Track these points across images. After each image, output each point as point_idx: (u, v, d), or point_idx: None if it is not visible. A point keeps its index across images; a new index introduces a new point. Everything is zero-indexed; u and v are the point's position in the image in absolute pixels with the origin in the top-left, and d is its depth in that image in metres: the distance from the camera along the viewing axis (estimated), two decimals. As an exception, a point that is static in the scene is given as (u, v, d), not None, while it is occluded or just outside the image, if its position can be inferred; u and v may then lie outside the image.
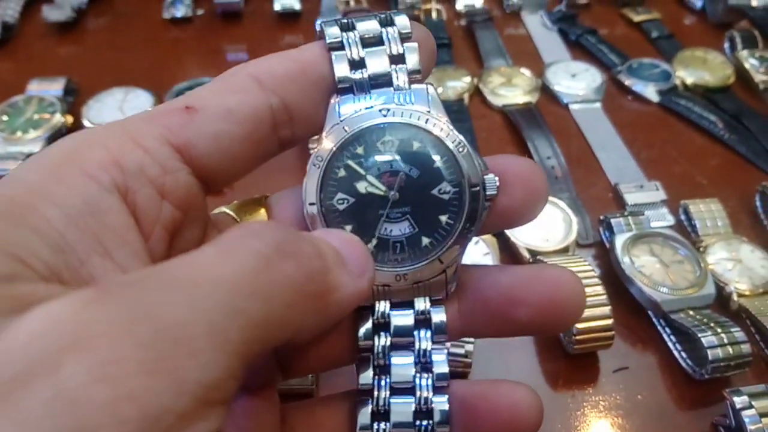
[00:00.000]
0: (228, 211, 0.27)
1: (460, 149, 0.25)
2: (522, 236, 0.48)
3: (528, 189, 0.25)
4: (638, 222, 0.49)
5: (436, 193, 0.25)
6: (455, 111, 0.62)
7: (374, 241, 0.25)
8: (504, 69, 0.67)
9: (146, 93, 0.61)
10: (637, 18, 0.76)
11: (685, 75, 0.67)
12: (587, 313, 0.41)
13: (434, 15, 0.76)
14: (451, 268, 0.26)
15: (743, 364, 0.40)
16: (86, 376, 0.14)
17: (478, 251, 0.46)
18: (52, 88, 0.61)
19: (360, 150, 0.25)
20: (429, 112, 0.25)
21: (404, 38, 0.26)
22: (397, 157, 0.25)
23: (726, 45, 0.72)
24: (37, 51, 0.71)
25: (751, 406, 0.36)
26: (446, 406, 0.25)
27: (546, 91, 0.65)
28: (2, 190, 0.20)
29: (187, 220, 0.24)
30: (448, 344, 0.26)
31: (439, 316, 0.26)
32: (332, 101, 0.25)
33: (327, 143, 0.25)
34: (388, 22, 0.26)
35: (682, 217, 0.52)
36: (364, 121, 0.25)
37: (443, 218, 0.25)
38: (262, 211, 0.27)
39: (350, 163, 0.25)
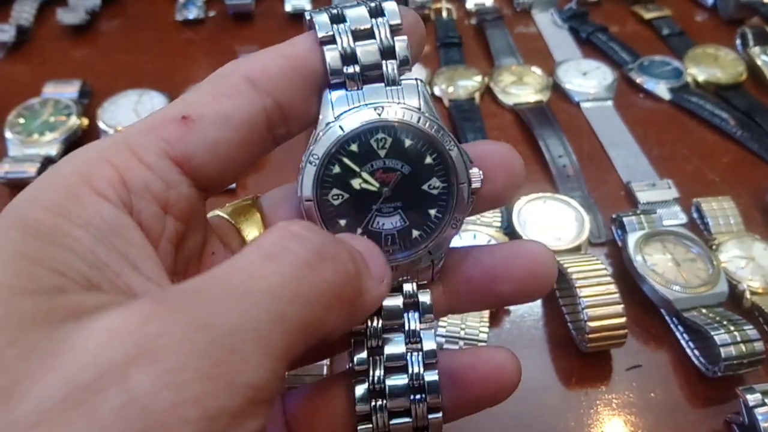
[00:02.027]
0: (222, 214, 0.28)
1: (449, 147, 0.26)
2: (534, 235, 0.48)
3: (509, 175, 0.27)
4: (650, 220, 0.49)
5: (426, 188, 0.26)
6: (466, 110, 0.62)
7: (365, 236, 0.26)
8: (515, 67, 0.67)
9: (160, 95, 0.61)
10: (647, 15, 0.76)
11: (697, 72, 0.66)
12: (600, 311, 0.41)
13: (444, 14, 0.76)
14: (438, 257, 0.27)
15: (756, 361, 0.40)
16: (153, 384, 0.16)
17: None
18: (68, 91, 0.62)
19: (354, 147, 0.26)
20: (420, 109, 0.26)
21: (395, 30, 0.26)
22: (390, 155, 0.26)
23: (738, 42, 0.71)
24: (52, 53, 0.72)
25: (764, 404, 0.37)
26: (436, 377, 0.26)
27: (557, 90, 0.66)
28: (24, 211, 0.20)
29: (189, 229, 0.24)
30: (435, 323, 0.28)
31: (425, 298, 0.27)
32: (325, 97, 0.26)
33: (323, 141, 0.25)
34: (377, 12, 0.26)
35: (695, 215, 0.52)
36: (358, 119, 0.26)
37: (432, 212, 0.26)
38: (256, 212, 0.27)
39: (345, 160, 0.26)
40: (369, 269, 0.23)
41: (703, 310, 0.43)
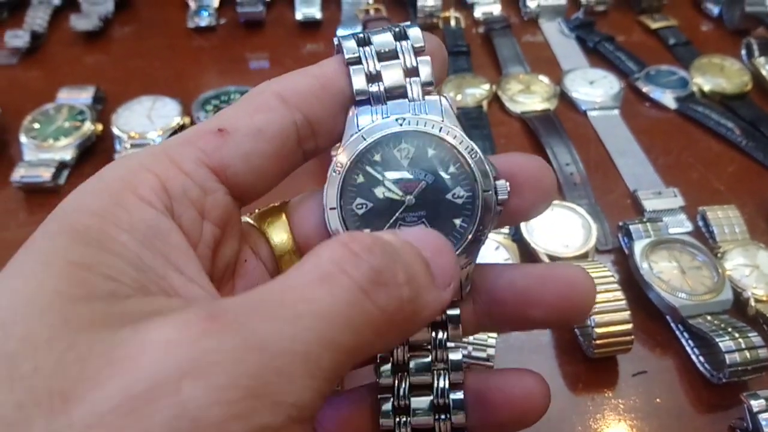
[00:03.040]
0: (249, 220, 0.28)
1: (473, 155, 0.26)
2: (542, 242, 0.49)
3: (538, 189, 0.27)
4: (656, 228, 0.49)
5: (450, 197, 0.26)
6: (474, 118, 0.63)
7: None
8: (522, 76, 0.68)
9: (173, 101, 0.62)
10: (654, 25, 0.77)
11: (703, 82, 0.67)
12: (607, 318, 0.42)
13: (453, 23, 0.77)
14: (465, 269, 0.27)
15: (760, 368, 0.40)
16: (204, 400, 0.16)
17: (499, 257, 0.47)
18: (82, 97, 0.63)
19: (378, 157, 0.26)
20: (443, 121, 0.26)
21: (418, 51, 0.27)
22: (413, 164, 0.26)
23: (743, 52, 0.72)
24: (65, 59, 0.73)
25: (768, 410, 0.37)
26: (461, 396, 0.26)
27: (564, 98, 0.66)
28: (72, 217, 0.21)
29: (225, 236, 0.25)
30: (467, 341, 0.28)
31: (453, 311, 0.27)
32: (351, 113, 0.27)
33: (347, 151, 0.26)
34: (402, 36, 0.27)
35: (700, 223, 0.53)
36: (381, 130, 0.26)
37: (457, 221, 0.26)
38: (283, 217, 0.28)
39: (369, 169, 0.26)
40: (433, 278, 0.22)
41: (708, 317, 0.44)
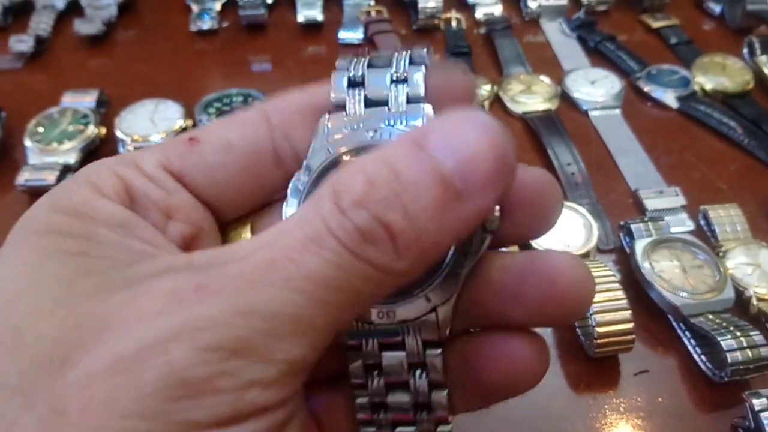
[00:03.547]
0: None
1: None
2: (543, 242, 0.49)
3: (541, 207, 0.23)
4: (658, 227, 0.49)
5: None
6: (476, 119, 0.63)
7: None
8: (523, 76, 0.68)
9: (176, 104, 0.62)
10: (655, 24, 0.77)
11: (704, 81, 0.67)
12: (608, 317, 0.42)
13: (454, 24, 0.77)
14: (442, 308, 0.23)
15: (762, 366, 0.40)
16: (190, 360, 0.17)
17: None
18: (85, 100, 0.63)
19: None
20: None
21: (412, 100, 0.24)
22: None
23: (745, 50, 0.72)
24: (69, 63, 0.74)
25: (770, 408, 0.37)
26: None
27: (565, 98, 0.66)
28: (50, 217, 0.22)
29: (201, 236, 0.25)
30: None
31: (434, 357, 0.23)
32: (321, 120, 0.24)
33: (310, 164, 0.23)
34: (401, 81, 0.24)
35: (702, 222, 0.52)
36: (349, 141, 0.23)
37: None
38: (248, 225, 0.27)
39: None
40: (461, 191, 0.18)
41: (710, 316, 0.44)
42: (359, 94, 0.24)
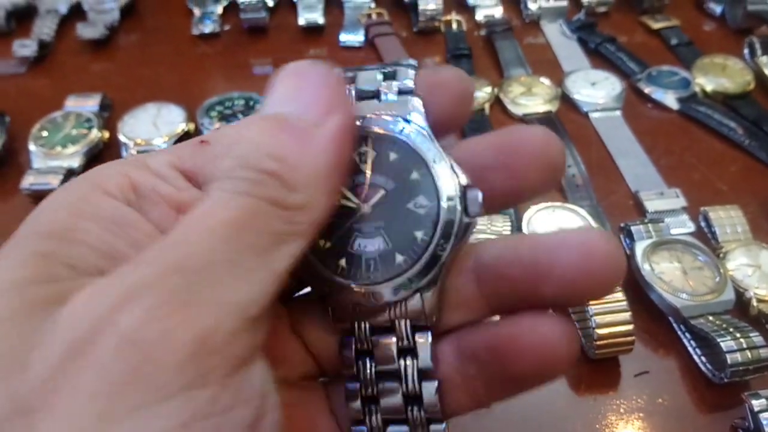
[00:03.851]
0: None
1: (438, 160, 0.24)
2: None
3: (544, 164, 0.24)
4: (658, 229, 0.50)
5: (412, 207, 0.24)
6: (476, 121, 0.64)
7: (344, 258, 0.24)
8: (524, 78, 0.68)
9: (178, 108, 0.63)
10: (656, 25, 0.77)
11: (705, 82, 0.67)
12: (608, 318, 0.42)
13: (454, 26, 0.77)
14: (427, 292, 0.24)
15: (762, 368, 0.41)
16: (141, 321, 0.18)
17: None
18: (89, 104, 0.64)
19: None
20: (409, 120, 0.24)
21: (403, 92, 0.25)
22: (374, 169, 0.24)
23: (746, 51, 0.72)
24: (72, 67, 0.74)
25: (769, 409, 0.37)
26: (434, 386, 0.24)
27: (566, 100, 0.67)
28: (41, 216, 0.22)
29: None
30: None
31: (423, 350, 0.24)
32: None
33: None
34: (389, 76, 0.25)
35: (702, 223, 0.53)
36: None
37: (419, 234, 0.24)
38: None
39: None
40: (300, 124, 0.22)
41: (710, 318, 0.44)
42: (350, 90, 0.25)
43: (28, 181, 0.56)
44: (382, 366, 0.24)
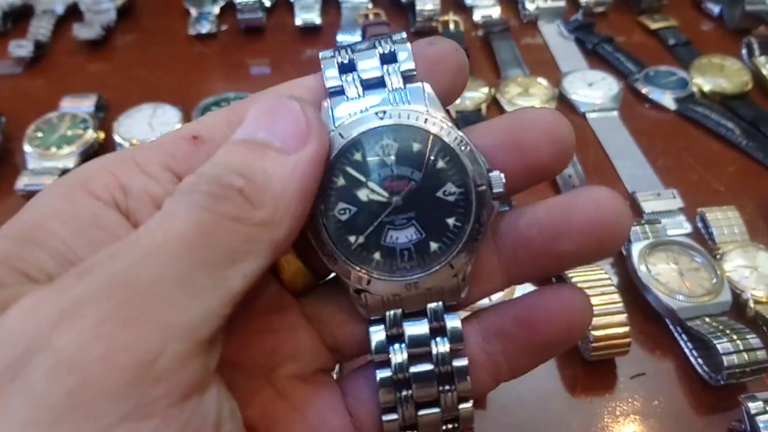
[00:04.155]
0: None
1: (462, 147, 0.24)
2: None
3: (555, 143, 0.25)
4: (655, 230, 0.49)
5: (441, 195, 0.24)
6: (473, 121, 0.63)
7: (379, 251, 0.24)
8: (521, 79, 0.68)
9: (174, 108, 0.63)
10: (654, 25, 0.77)
11: (702, 82, 0.67)
12: (604, 320, 0.42)
13: (452, 26, 0.77)
14: (462, 272, 0.25)
15: (759, 370, 0.41)
16: (79, 340, 0.16)
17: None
18: (84, 105, 0.64)
19: (358, 156, 0.24)
20: (427, 111, 0.24)
21: (407, 77, 0.25)
22: (398, 161, 0.24)
23: (743, 51, 0.72)
24: (68, 68, 0.74)
25: (765, 412, 0.37)
26: (465, 363, 0.25)
27: (563, 100, 0.66)
28: (19, 217, 0.22)
29: None
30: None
31: (453, 323, 0.25)
32: (324, 105, 0.25)
33: None
34: (390, 59, 0.25)
35: (699, 224, 0.52)
36: (360, 125, 0.24)
37: (450, 221, 0.24)
38: None
39: (349, 170, 0.24)
40: (281, 148, 0.22)
41: (707, 319, 0.44)
42: (354, 78, 0.25)
43: (23, 182, 0.56)
44: (413, 349, 0.25)
